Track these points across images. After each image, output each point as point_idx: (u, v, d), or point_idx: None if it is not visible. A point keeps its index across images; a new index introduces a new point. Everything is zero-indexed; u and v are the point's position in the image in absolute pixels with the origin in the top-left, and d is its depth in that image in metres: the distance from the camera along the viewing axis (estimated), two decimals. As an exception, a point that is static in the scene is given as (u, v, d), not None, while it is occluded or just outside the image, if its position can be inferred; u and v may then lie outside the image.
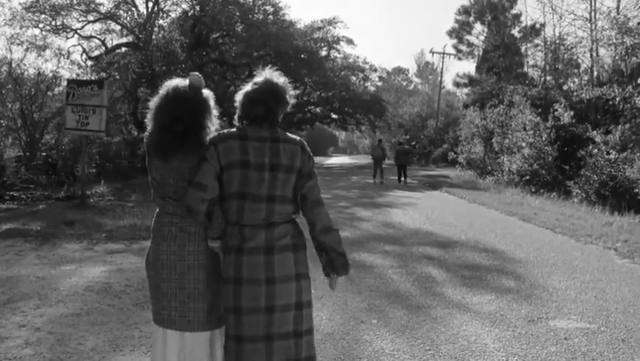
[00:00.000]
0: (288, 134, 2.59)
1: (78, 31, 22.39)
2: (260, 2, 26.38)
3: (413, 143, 47.57)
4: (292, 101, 2.61)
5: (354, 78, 39.94)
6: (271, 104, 2.51)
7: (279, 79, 2.57)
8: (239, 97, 2.56)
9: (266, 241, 2.46)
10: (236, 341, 2.47)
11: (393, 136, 54.19)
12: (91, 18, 22.31)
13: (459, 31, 44.18)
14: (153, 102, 2.56)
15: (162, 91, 2.55)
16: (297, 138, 2.60)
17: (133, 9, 22.71)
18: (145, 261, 2.64)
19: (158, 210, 2.60)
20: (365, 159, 26.06)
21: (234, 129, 2.54)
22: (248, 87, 2.56)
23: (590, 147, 15.16)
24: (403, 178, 21.57)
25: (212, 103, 2.59)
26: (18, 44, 17.66)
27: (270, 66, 2.68)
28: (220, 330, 2.62)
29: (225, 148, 2.44)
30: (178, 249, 2.49)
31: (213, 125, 2.57)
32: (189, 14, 23.80)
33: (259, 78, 2.56)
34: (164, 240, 2.51)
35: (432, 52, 49.87)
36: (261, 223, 2.47)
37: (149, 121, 2.57)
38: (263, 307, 2.45)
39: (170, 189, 2.49)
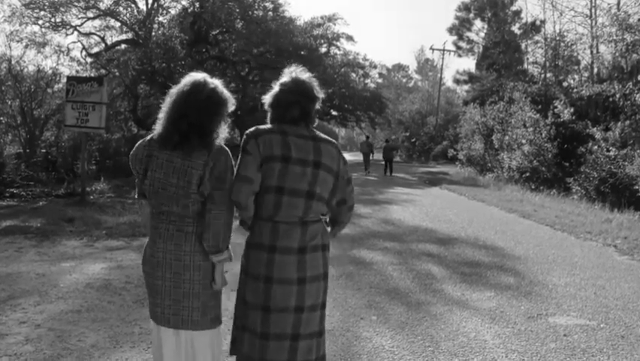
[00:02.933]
0: (323, 134, 2.57)
1: (77, 27, 22.34)
2: (259, -1, 26.35)
3: (413, 140, 47.64)
4: (321, 95, 2.60)
5: (354, 75, 39.84)
6: (306, 105, 2.50)
7: (304, 75, 2.56)
8: (269, 99, 2.54)
9: (300, 240, 2.45)
10: (262, 338, 2.46)
11: (393, 133, 54.23)
12: (90, 15, 22.26)
13: (459, 28, 44.18)
14: (171, 92, 2.49)
15: (183, 80, 2.48)
16: (333, 140, 2.59)
17: (132, 6, 22.67)
18: (142, 255, 2.61)
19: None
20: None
21: (271, 125, 2.53)
22: (276, 89, 2.54)
23: (590, 143, 15.15)
24: (389, 172, 24.72)
25: (227, 109, 2.50)
26: (17, 41, 17.61)
27: (296, 65, 2.66)
28: (218, 330, 2.59)
29: (266, 141, 2.42)
30: (174, 248, 2.44)
31: (222, 133, 2.49)
32: (189, 11, 23.74)
33: (286, 79, 2.55)
34: (160, 237, 2.47)
35: (432, 49, 49.88)
36: (296, 221, 2.45)
37: (162, 108, 2.49)
38: (293, 307, 2.44)
39: (172, 190, 2.41)
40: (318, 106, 2.59)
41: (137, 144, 2.55)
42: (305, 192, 2.42)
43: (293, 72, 2.57)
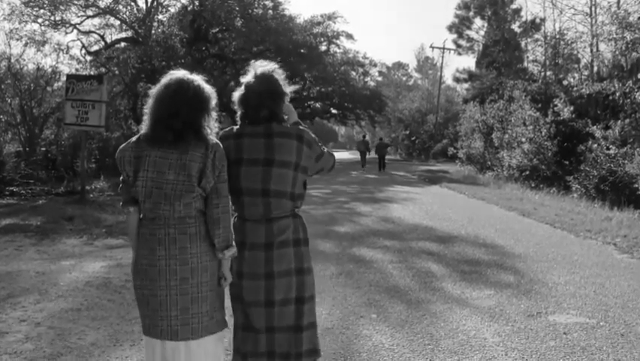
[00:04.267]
0: (285, 126, 2.57)
1: (77, 26, 22.33)
2: (259, -4, 26.33)
3: (413, 138, 47.62)
4: (290, 88, 2.62)
5: (353, 73, 39.83)
6: (272, 107, 2.54)
7: (269, 69, 2.56)
8: (236, 98, 2.57)
9: (266, 237, 2.50)
10: (243, 330, 2.57)
11: (393, 131, 54.13)
12: (90, 13, 22.25)
13: (459, 26, 44.09)
14: (152, 92, 2.44)
15: (165, 80, 2.43)
16: (294, 128, 2.57)
17: (132, 4, 22.66)
18: (133, 270, 2.47)
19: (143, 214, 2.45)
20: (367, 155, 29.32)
21: (235, 127, 2.59)
22: (242, 91, 2.57)
23: (590, 142, 15.12)
24: (382, 168, 26.25)
25: (213, 104, 2.47)
26: (17, 39, 17.62)
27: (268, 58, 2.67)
28: (223, 332, 2.57)
29: (226, 147, 2.51)
30: (179, 252, 2.34)
31: (213, 128, 2.47)
32: (188, 9, 23.74)
33: (250, 78, 2.57)
34: (160, 244, 2.35)
35: (432, 47, 49.74)
36: (260, 218, 2.50)
37: (146, 110, 2.44)
38: (263, 301, 2.50)
39: (169, 187, 2.34)
40: (287, 100, 2.61)
41: (121, 147, 2.47)
42: (260, 191, 2.49)
43: (259, 67, 2.57)
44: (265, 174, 2.48)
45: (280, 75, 2.59)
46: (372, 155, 35.21)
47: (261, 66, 2.58)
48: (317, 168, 2.67)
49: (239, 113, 2.59)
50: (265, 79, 2.54)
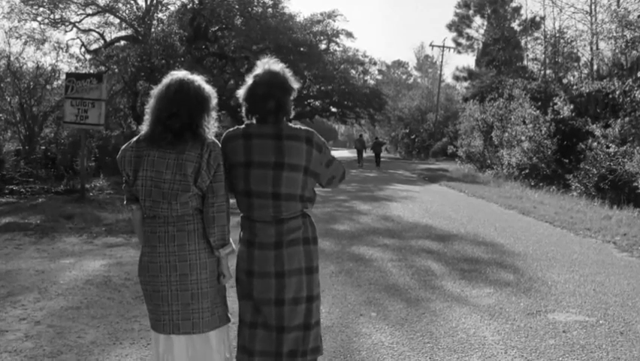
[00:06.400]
0: (293, 127, 2.54)
1: (77, 24, 22.33)
2: (259, -5, 26.32)
3: (413, 137, 47.63)
4: (297, 86, 2.60)
5: (353, 72, 39.84)
6: (281, 98, 2.51)
7: (278, 66, 2.57)
8: (243, 93, 2.55)
9: (276, 236, 2.49)
10: (251, 328, 2.54)
11: (392, 130, 54.10)
12: (89, 11, 22.25)
13: (459, 25, 44.02)
14: (154, 92, 2.47)
15: (166, 80, 2.46)
16: (303, 130, 2.54)
17: (132, 2, 22.63)
18: (138, 266, 2.53)
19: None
20: (364, 154, 29.92)
21: (242, 126, 2.56)
22: (250, 82, 2.54)
23: (590, 140, 15.12)
24: (377, 165, 28.77)
25: (213, 103, 2.50)
26: (16, 38, 17.64)
27: (268, 56, 2.66)
28: (227, 327, 2.59)
29: (231, 148, 2.49)
30: (178, 249, 2.40)
31: (212, 128, 2.49)
32: (188, 7, 23.71)
33: (260, 71, 2.55)
34: (160, 241, 2.41)
35: (432, 45, 49.65)
36: (270, 220, 2.49)
37: (147, 110, 2.47)
38: (273, 300, 2.49)
39: (166, 187, 2.38)
40: (293, 97, 2.60)
41: (122, 147, 2.52)
42: (270, 194, 2.46)
43: (266, 64, 2.57)
44: (275, 178, 2.45)
45: (289, 73, 2.59)
46: (369, 153, 35.44)
47: (269, 62, 2.58)
48: (328, 175, 2.63)
49: (244, 108, 2.56)
50: (275, 72, 2.54)
